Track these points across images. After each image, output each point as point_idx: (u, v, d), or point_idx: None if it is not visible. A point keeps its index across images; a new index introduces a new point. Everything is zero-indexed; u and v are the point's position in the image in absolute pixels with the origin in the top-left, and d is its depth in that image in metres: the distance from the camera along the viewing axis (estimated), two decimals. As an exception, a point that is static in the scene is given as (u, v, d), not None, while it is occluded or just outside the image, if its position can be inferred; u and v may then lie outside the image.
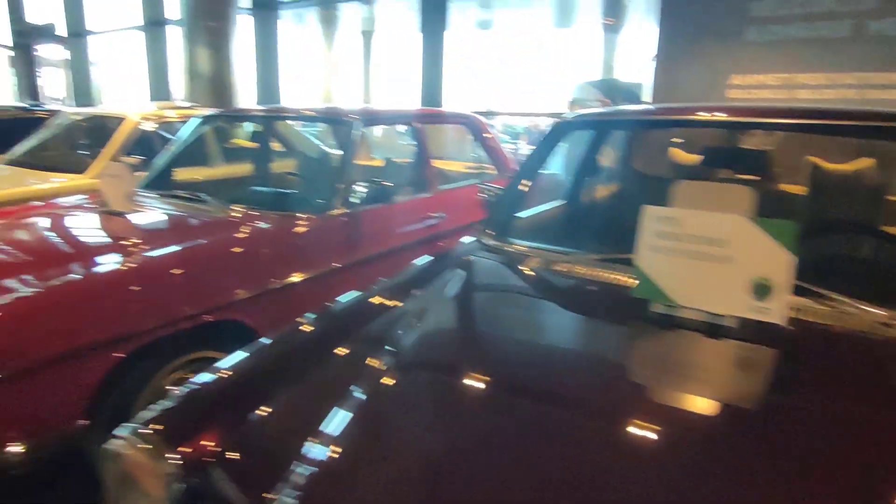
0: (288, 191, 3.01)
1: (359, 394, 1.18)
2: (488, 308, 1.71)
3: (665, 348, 1.39)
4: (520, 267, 1.84)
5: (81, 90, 9.54)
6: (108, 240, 2.45)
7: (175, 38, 9.14)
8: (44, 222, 2.67)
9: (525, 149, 9.62)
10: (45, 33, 9.90)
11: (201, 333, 2.15)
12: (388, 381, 1.23)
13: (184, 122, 4.85)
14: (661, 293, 1.40)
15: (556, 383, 1.24)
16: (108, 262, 2.06)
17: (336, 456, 1.04)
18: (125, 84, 10.15)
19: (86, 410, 1.87)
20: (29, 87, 10.18)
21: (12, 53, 10.55)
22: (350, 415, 1.13)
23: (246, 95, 6.84)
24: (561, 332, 1.54)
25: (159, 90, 8.50)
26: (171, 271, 2.12)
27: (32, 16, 10.32)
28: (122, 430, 1.14)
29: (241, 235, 2.43)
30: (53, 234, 2.53)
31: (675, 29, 4.80)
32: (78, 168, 4.07)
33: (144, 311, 1.99)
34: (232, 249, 2.35)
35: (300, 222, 2.62)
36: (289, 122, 4.35)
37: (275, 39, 7.32)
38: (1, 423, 1.70)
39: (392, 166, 3.94)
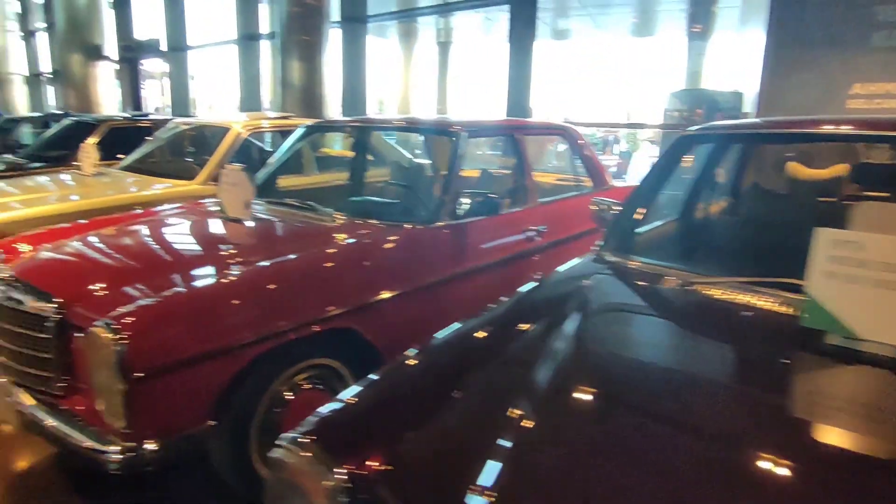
0: (394, 201, 3.03)
1: (520, 418, 1.13)
2: (633, 334, 1.62)
3: (845, 386, 1.27)
4: (656, 288, 1.74)
5: (179, 101, 10.16)
6: (232, 246, 2.54)
7: (266, 52, 9.59)
8: (167, 227, 2.82)
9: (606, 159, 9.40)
10: (150, 48, 10.63)
11: (317, 341, 2.17)
12: (546, 406, 1.18)
13: (280, 132, 5.08)
14: (838, 324, 1.28)
15: (728, 422, 1.14)
16: (237, 268, 2.13)
17: (507, 483, 0.99)
18: (218, 95, 10.73)
19: (212, 413, 1.92)
20: (133, 98, 10.95)
21: (118, 67, 11.37)
22: (513, 442, 1.08)
23: (334, 106, 7.03)
24: (723, 365, 1.43)
25: (250, 101, 8.92)
26: (294, 278, 2.16)
27: (139, 33, 11.13)
28: (285, 439, 1.15)
29: (354, 244, 2.46)
30: (179, 238, 2.66)
31: (785, 35, 4.53)
32: (188, 175, 4.28)
33: (270, 317, 2.03)
34: (347, 258, 2.37)
35: (409, 233, 2.62)
36: (384, 132, 4.39)
37: (363, 51, 7.51)
38: (138, 421, 1.76)
39: (487, 177, 3.91)
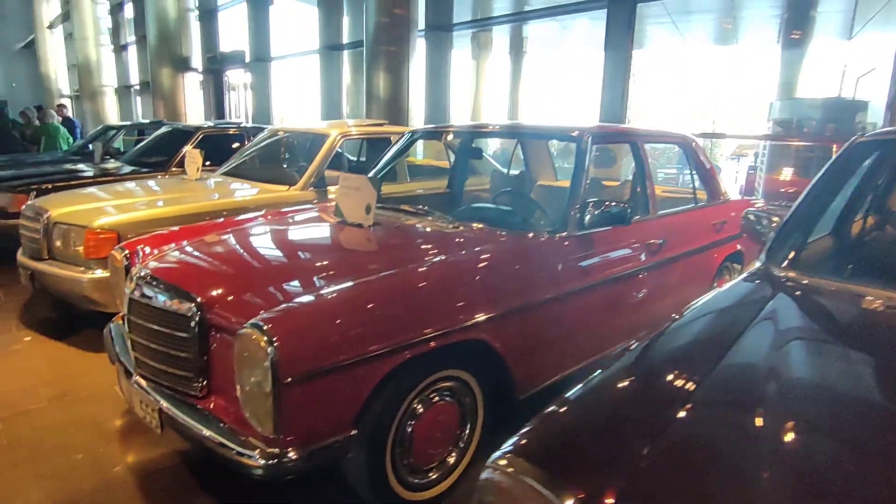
0: (510, 209, 2.91)
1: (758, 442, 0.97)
2: (835, 358, 1.43)
3: None
4: (860, 309, 1.54)
5: (261, 111, 10.47)
6: (363, 250, 2.49)
7: (346, 62, 9.76)
8: (289, 230, 2.80)
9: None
10: (234, 59, 11.03)
11: (453, 351, 2.06)
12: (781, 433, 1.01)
13: (375, 139, 5.07)
14: None
15: None
16: (378, 273, 2.04)
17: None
18: (298, 104, 11.03)
19: (354, 423, 1.84)
20: (217, 108, 11.40)
21: (202, 78, 11.86)
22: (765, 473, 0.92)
23: (417, 116, 7.02)
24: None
25: (330, 110, 9.08)
26: (438, 284, 2.07)
27: (224, 44, 11.59)
28: (499, 459, 1.02)
29: (488, 252, 2.35)
30: (305, 241, 2.64)
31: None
32: (289, 180, 4.32)
33: (416, 324, 1.94)
34: (483, 266, 2.26)
35: (538, 242, 2.49)
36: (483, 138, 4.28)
37: (447, 60, 7.50)
38: (286, 427, 1.69)
39: (596, 187, 3.74)
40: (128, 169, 5.88)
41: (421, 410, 2.04)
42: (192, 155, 4.55)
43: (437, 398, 2.10)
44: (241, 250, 2.42)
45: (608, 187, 3.72)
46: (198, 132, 6.13)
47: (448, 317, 2.03)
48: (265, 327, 1.66)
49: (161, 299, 2.01)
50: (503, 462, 1.02)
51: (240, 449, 1.74)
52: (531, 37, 13.93)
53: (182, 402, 1.98)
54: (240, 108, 12.14)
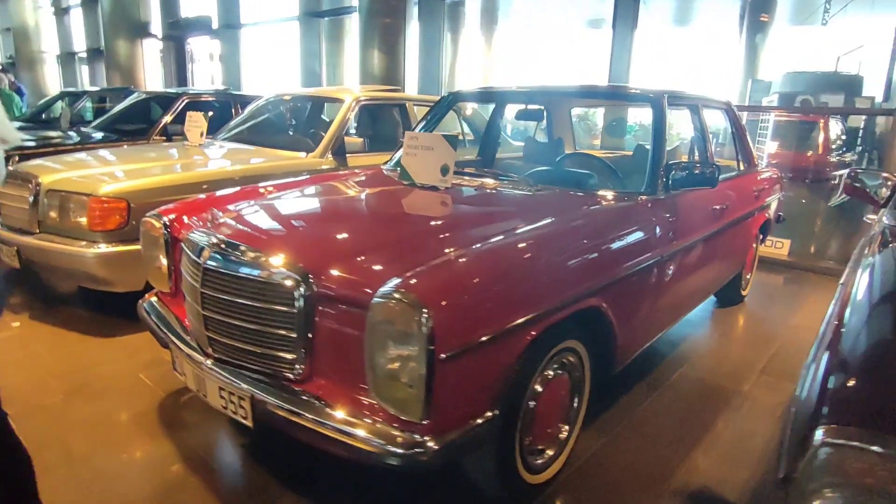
0: (588, 172, 2.72)
1: None
2: None
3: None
4: None
5: (230, 82, 9.81)
6: (462, 215, 2.25)
7: (322, 31, 9.25)
8: (362, 194, 2.54)
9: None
10: (199, 26, 10.28)
11: (572, 321, 1.87)
12: None
13: (391, 105, 4.76)
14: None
15: None
16: (500, 239, 1.82)
17: None
18: (272, 75, 10.39)
19: (495, 402, 1.62)
20: (179, 78, 10.63)
21: (162, 46, 11.04)
22: None
23: (411, 88, 6.71)
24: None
25: (310, 82, 8.59)
26: (558, 251, 1.86)
27: (186, 9, 10.78)
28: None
29: (592, 216, 2.17)
30: (390, 206, 2.38)
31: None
32: (304, 147, 3.98)
33: (547, 294, 1.73)
34: (591, 230, 2.07)
35: (634, 204, 2.33)
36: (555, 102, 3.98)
37: (440, 30, 7.18)
38: (437, 412, 1.46)
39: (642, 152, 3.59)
40: (98, 136, 5.33)
41: (541, 387, 1.85)
42: (195, 119, 4.13)
43: (554, 372, 1.91)
44: (322, 213, 2.15)
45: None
46: (180, 98, 5.62)
47: (574, 283, 1.84)
48: (415, 295, 1.42)
49: (252, 269, 1.72)
50: None
51: (377, 439, 1.49)
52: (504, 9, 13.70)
53: (277, 388, 1.71)
54: (206, 79, 11.39)
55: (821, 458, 0.86)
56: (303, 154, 3.92)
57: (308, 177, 2.93)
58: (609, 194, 2.42)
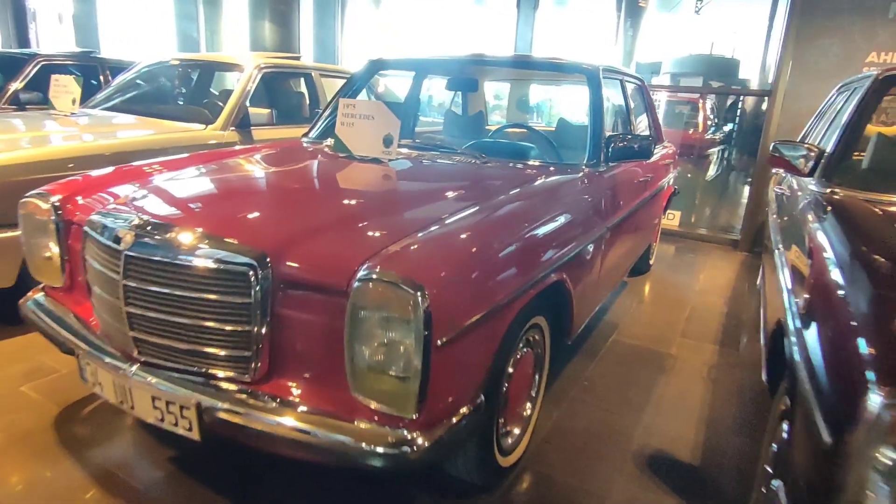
0: (530, 145, 2.65)
1: None
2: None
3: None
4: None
5: (85, 44, 8.56)
6: (422, 188, 2.06)
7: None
8: (297, 168, 2.28)
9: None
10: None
11: (541, 296, 1.80)
12: None
13: (296, 74, 4.39)
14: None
15: None
16: (473, 212, 1.68)
17: None
18: (139, 41, 9.19)
19: (480, 388, 1.51)
20: (19, 40, 9.10)
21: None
22: None
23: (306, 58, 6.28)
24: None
25: (187, 47, 7.74)
26: (530, 224, 1.77)
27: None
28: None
29: (554, 188, 2.10)
30: (337, 180, 2.13)
31: (809, 3, 4.65)
32: (201, 118, 3.54)
33: (526, 269, 1.64)
34: (556, 202, 2.01)
35: (587, 176, 2.31)
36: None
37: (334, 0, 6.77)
38: (430, 405, 1.32)
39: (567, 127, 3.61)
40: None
41: (513, 367, 1.77)
42: (63, 83, 3.51)
43: (521, 351, 1.84)
44: (261, 189, 1.87)
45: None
46: (33, 61, 4.79)
47: (544, 257, 1.77)
48: (407, 273, 1.25)
49: (193, 254, 1.44)
50: None
51: (358, 440, 1.32)
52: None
53: (228, 392, 1.46)
54: (54, 42, 9.88)
55: (885, 420, 0.85)
56: (201, 126, 3.49)
57: (215, 150, 2.58)
58: (553, 167, 2.38)
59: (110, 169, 2.17)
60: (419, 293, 1.22)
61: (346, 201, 1.78)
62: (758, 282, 4.11)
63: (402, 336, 1.26)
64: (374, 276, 1.26)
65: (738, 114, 6.69)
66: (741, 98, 6.73)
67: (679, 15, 13.91)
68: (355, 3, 12.41)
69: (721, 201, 6.88)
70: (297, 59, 4.45)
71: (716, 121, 7.00)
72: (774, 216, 2.72)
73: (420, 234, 1.46)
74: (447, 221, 1.57)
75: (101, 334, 1.70)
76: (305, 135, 2.92)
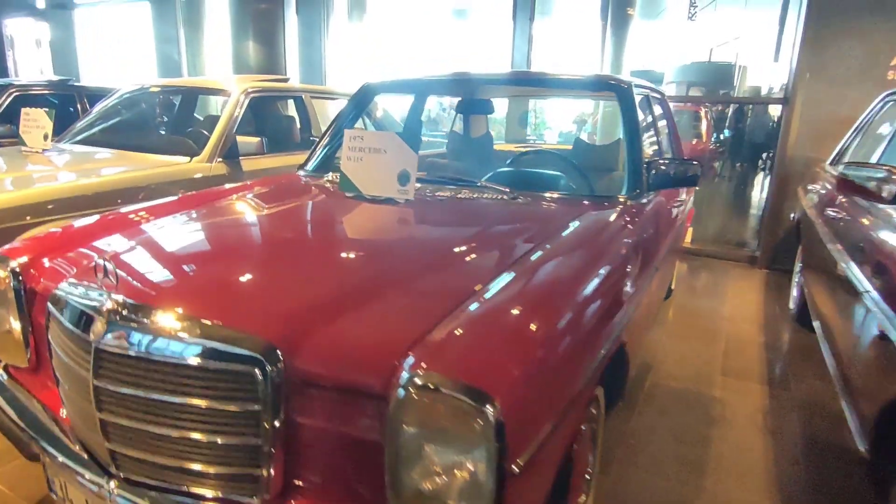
0: (557, 173, 2.36)
1: None
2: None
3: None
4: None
5: (64, 73, 8.19)
6: (454, 239, 1.71)
7: (184, 12, 8.07)
8: (295, 216, 1.96)
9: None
10: (18, 5, 8.47)
11: (605, 367, 1.51)
12: None
13: (285, 97, 4.10)
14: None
15: None
16: (527, 277, 1.38)
17: None
18: (119, 65, 8.83)
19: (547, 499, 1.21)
20: (-1, 67, 8.73)
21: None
22: None
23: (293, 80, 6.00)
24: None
25: (169, 72, 7.40)
26: (589, 282, 1.47)
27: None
28: None
29: (599, 232, 1.80)
30: (347, 234, 1.80)
31: (826, 3, 4.42)
32: (186, 150, 3.23)
33: (597, 343, 1.34)
34: (610, 254, 1.70)
35: (626, 211, 2.02)
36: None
37: (321, 16, 6.46)
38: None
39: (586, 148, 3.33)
40: None
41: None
42: (34, 118, 3.18)
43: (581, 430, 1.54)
44: (260, 246, 1.56)
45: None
46: (6, 91, 4.47)
47: (612, 323, 1.47)
48: (469, 377, 0.95)
49: (183, 349, 1.12)
50: None
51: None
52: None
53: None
54: (32, 69, 9.54)
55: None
56: (185, 159, 3.17)
57: (205, 190, 2.27)
58: (590, 200, 2.09)
59: (87, 221, 1.86)
60: (488, 406, 0.92)
61: (365, 260, 1.48)
62: (791, 306, 3.85)
63: (465, 461, 0.96)
64: (422, 382, 0.95)
65: (735, 122, 6.47)
66: (745, 106, 6.55)
67: (666, 22, 13.86)
68: (337, 18, 12.19)
69: (730, 214, 6.65)
70: (286, 80, 4.15)
71: (722, 130, 6.80)
72: (831, 243, 2.46)
73: (468, 309, 1.16)
74: (495, 288, 1.27)
75: (73, 434, 1.38)
76: (302, 166, 2.62)
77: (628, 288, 1.65)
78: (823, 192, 3.18)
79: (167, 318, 1.15)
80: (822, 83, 4.53)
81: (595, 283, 1.46)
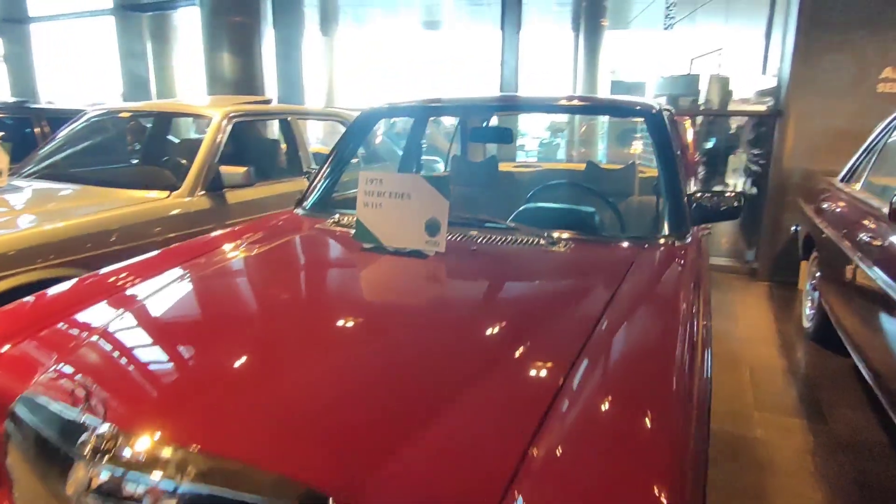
0: (590, 209, 2.14)
1: None
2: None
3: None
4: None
5: (21, 91, 7.68)
6: (518, 304, 1.48)
7: (150, 26, 7.69)
8: (310, 282, 1.68)
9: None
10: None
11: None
12: None
13: (270, 119, 3.81)
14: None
15: None
16: (605, 365, 1.15)
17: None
18: (81, 81, 8.35)
19: None
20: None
21: None
22: None
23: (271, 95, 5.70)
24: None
25: (135, 89, 6.99)
26: (679, 357, 1.25)
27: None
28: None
29: (658, 284, 1.60)
30: (371, 308, 1.51)
31: (818, 17, 4.38)
32: (163, 183, 2.93)
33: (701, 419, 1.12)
34: (673, 305, 1.49)
35: (678, 255, 1.81)
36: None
37: (300, 30, 6.20)
38: None
39: (596, 170, 3.13)
40: None
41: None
42: (-14, 151, 2.84)
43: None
44: (277, 329, 1.28)
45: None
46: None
47: (704, 385, 1.25)
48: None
49: (197, 493, 0.86)
50: None
51: None
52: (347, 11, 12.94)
53: None
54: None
55: None
56: (163, 193, 2.86)
57: (192, 242, 1.99)
58: (630, 242, 1.86)
59: (59, 289, 1.57)
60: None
61: (416, 350, 1.22)
62: (806, 324, 3.74)
63: None
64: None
65: (719, 133, 6.44)
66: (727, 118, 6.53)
67: (638, 33, 13.94)
68: (308, 33, 11.93)
69: (722, 226, 6.59)
70: (268, 101, 3.86)
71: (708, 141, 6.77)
72: (862, 264, 2.36)
73: (564, 414, 0.93)
74: (580, 378, 1.05)
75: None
76: (300, 203, 2.35)
77: (703, 343, 1.44)
78: (846, 211, 3.07)
79: (177, 459, 0.88)
80: (813, 95, 4.49)
81: (680, 352, 1.25)
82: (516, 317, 1.35)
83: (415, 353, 1.19)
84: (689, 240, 1.93)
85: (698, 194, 2.05)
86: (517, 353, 1.15)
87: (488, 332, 1.29)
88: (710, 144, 6.92)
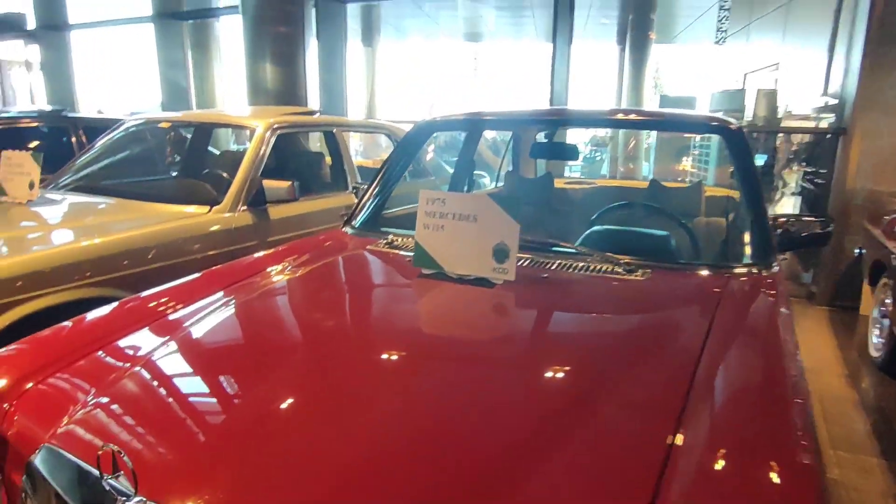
0: (664, 233, 1.96)
1: None
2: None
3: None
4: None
5: (58, 99, 7.79)
6: (608, 347, 1.30)
7: (190, 34, 7.73)
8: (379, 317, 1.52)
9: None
10: (7, 26, 8.10)
11: None
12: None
13: (315, 131, 3.72)
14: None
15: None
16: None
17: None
18: (120, 89, 8.48)
19: None
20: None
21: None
22: None
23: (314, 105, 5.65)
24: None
25: (175, 99, 7.02)
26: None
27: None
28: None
29: (754, 319, 1.43)
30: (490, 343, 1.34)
31: (886, 33, 4.14)
32: (204, 198, 2.82)
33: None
34: (775, 338, 1.33)
35: (766, 287, 1.63)
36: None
37: (342, 38, 6.13)
38: None
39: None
40: None
41: None
42: (17, 162, 2.74)
43: None
44: (343, 385, 1.10)
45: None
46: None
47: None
48: None
49: None
50: None
51: None
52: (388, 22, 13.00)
53: None
54: (22, 95, 9.18)
55: None
56: (203, 209, 2.76)
57: (236, 263, 1.88)
58: (713, 271, 1.69)
59: (96, 314, 1.46)
60: None
61: (490, 385, 1.07)
62: (874, 353, 3.48)
63: None
64: None
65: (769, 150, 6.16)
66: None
67: (685, 48, 13.66)
68: (350, 45, 11.99)
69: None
70: (313, 113, 3.76)
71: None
72: None
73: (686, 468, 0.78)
74: (694, 429, 0.89)
75: None
76: (348, 221, 2.22)
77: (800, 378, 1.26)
78: None
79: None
80: (881, 113, 4.24)
81: (792, 394, 1.08)
82: (608, 357, 1.20)
83: (500, 399, 1.04)
84: (775, 268, 1.75)
85: (781, 219, 1.88)
86: (618, 401, 1.01)
87: (579, 370, 1.14)
88: (759, 162, 6.68)
